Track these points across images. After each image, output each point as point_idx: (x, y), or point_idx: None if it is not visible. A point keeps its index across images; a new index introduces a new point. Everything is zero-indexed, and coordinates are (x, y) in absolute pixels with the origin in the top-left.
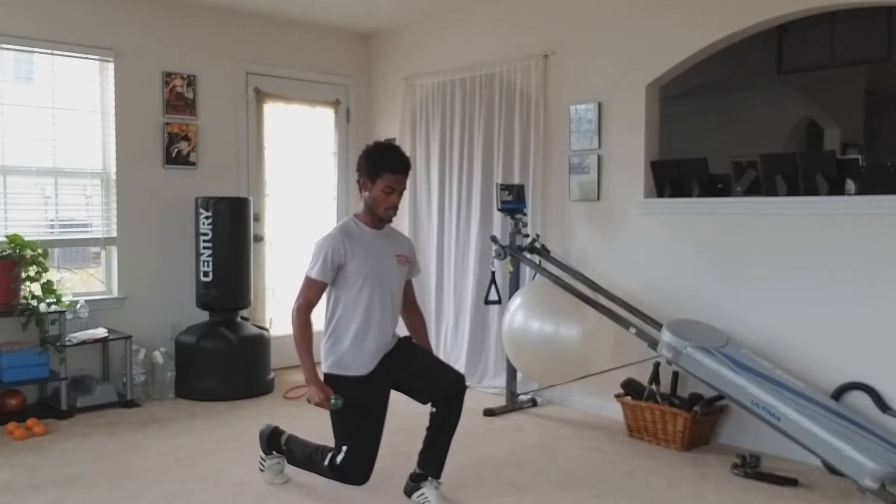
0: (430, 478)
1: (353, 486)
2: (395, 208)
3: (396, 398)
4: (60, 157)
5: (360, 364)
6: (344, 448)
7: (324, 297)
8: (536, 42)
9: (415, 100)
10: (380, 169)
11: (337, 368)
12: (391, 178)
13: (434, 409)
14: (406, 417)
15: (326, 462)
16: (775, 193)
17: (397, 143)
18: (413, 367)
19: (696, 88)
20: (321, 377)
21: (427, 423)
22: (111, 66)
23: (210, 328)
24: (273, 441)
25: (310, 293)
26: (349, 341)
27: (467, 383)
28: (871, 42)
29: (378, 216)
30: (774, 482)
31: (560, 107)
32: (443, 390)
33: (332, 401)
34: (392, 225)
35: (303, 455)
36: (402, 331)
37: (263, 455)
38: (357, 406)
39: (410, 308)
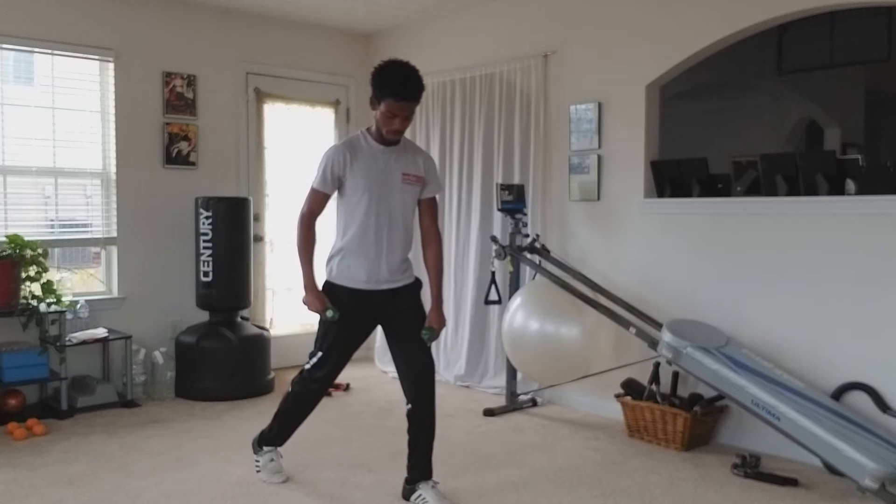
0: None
1: (319, 398)
2: (397, 132)
3: (396, 397)
4: (60, 157)
5: (355, 277)
6: (319, 354)
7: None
8: (536, 42)
9: None
10: (383, 93)
11: (334, 277)
12: (393, 105)
13: (409, 406)
14: (406, 418)
15: (290, 388)
16: (775, 193)
17: None
18: (400, 329)
19: (696, 88)
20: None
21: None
22: (111, 66)
23: (210, 328)
24: (261, 438)
25: (312, 203)
26: (345, 253)
27: (467, 383)
28: (871, 42)
29: (383, 136)
30: (774, 482)
31: (560, 107)
32: (406, 381)
33: (329, 313)
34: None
35: (278, 408)
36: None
37: (256, 456)
38: (344, 318)
39: (427, 237)
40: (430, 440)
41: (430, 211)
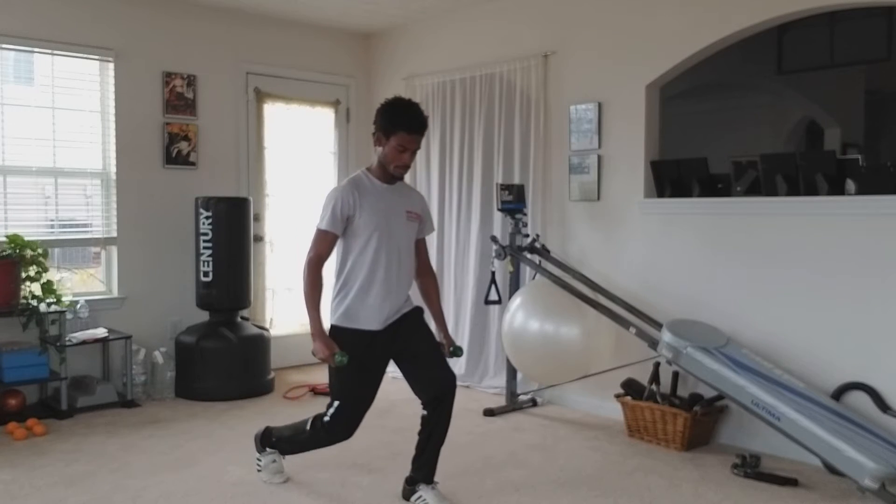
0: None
1: (337, 444)
2: (406, 167)
3: (397, 398)
4: (60, 157)
5: (365, 318)
6: (336, 403)
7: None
8: (536, 42)
9: (415, 100)
10: (395, 127)
11: (343, 321)
12: (405, 138)
13: (425, 412)
14: (406, 418)
15: (308, 426)
16: (775, 193)
17: None
18: (415, 350)
19: (696, 88)
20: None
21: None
22: (111, 66)
23: (210, 328)
24: (265, 438)
25: (320, 246)
26: (354, 294)
27: (467, 383)
28: (871, 42)
29: (389, 172)
30: (774, 482)
31: (560, 107)
32: (431, 391)
33: (338, 357)
34: (406, 181)
35: (291, 434)
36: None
37: (258, 455)
38: (357, 361)
39: (424, 271)
40: (440, 445)
41: (424, 247)
